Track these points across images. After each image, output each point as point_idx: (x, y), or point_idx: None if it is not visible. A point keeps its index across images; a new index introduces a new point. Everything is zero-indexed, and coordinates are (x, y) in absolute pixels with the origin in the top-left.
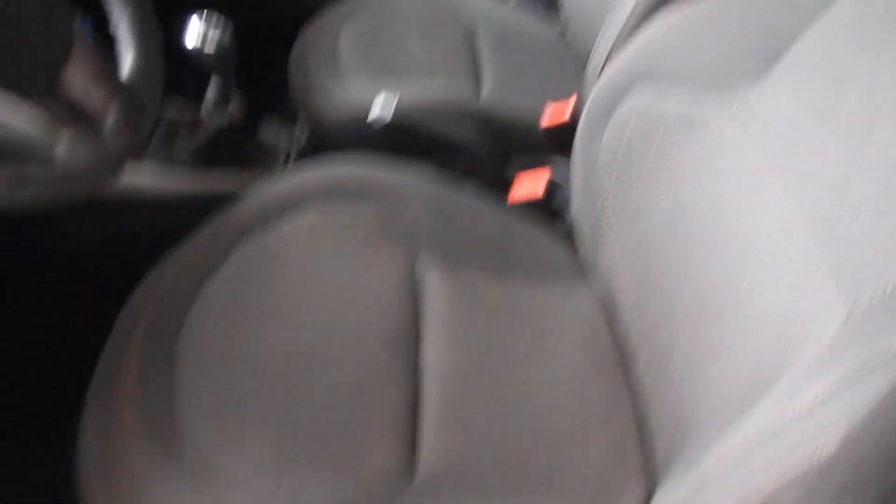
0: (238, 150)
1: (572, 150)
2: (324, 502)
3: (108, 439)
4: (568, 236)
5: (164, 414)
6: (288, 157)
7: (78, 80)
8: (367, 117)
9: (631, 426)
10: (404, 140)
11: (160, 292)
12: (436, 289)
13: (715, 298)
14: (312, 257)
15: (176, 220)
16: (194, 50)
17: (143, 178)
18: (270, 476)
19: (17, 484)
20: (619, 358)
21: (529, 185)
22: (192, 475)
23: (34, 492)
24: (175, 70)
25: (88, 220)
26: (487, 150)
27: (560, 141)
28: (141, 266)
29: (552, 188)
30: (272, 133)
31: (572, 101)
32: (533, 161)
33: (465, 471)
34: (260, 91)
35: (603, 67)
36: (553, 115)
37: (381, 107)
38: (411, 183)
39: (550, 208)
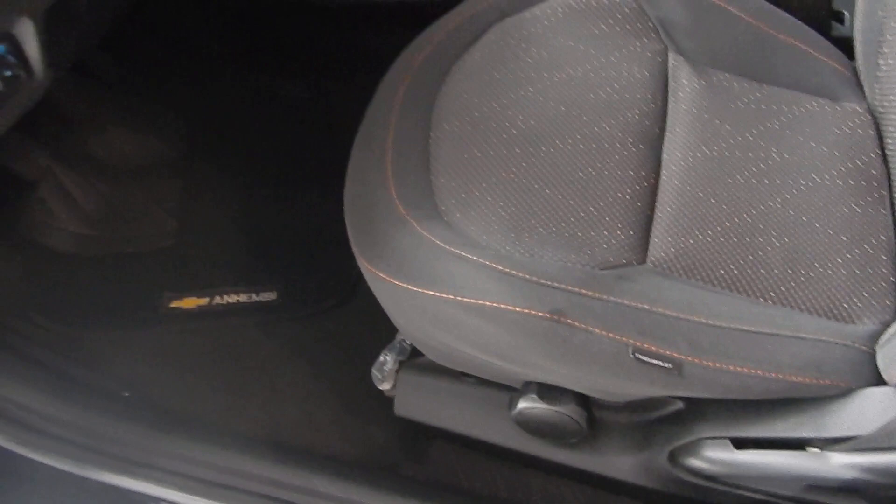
0: None
1: None
2: (557, 266)
3: (364, 193)
4: (842, 43)
5: (416, 172)
6: None
7: None
8: None
9: (884, 249)
10: None
11: (419, 61)
12: (686, 83)
13: None
14: (566, 38)
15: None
16: None
17: None
18: (509, 243)
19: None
20: (883, 177)
21: None
22: (437, 234)
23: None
24: None
25: None
26: None
27: None
28: (399, 37)
29: None
30: None
31: None
32: None
33: (696, 263)
34: None
35: None
36: None
37: None
38: None
39: (828, 9)
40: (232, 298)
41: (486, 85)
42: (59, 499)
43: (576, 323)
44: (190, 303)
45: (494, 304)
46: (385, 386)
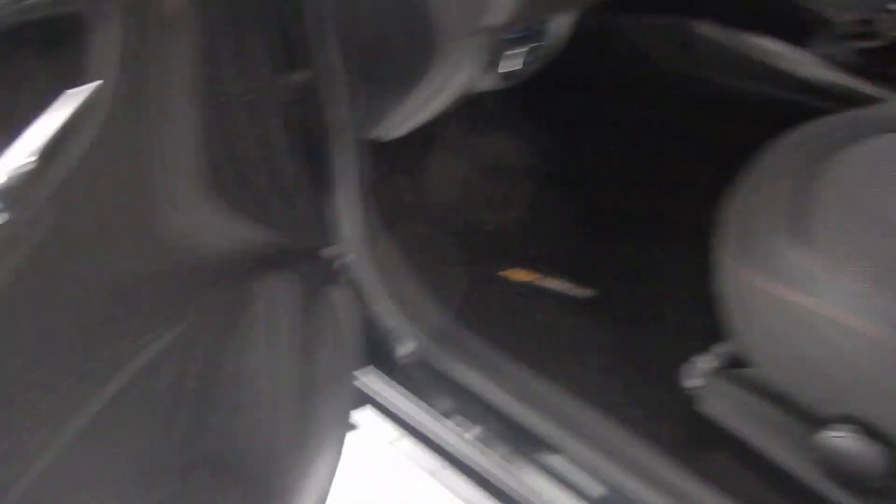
0: None
1: None
2: None
3: (752, 219)
4: None
5: (804, 212)
6: None
7: None
8: None
9: None
10: None
11: (808, 140)
12: None
13: None
14: None
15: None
16: None
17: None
18: (876, 290)
19: None
20: None
21: None
22: (816, 264)
23: None
24: None
25: None
26: None
27: None
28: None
29: None
30: None
31: None
32: None
33: None
34: None
35: None
36: None
37: None
38: None
39: None
40: (553, 285)
41: (866, 175)
42: None
43: None
44: (518, 275)
45: (861, 326)
46: (694, 383)
